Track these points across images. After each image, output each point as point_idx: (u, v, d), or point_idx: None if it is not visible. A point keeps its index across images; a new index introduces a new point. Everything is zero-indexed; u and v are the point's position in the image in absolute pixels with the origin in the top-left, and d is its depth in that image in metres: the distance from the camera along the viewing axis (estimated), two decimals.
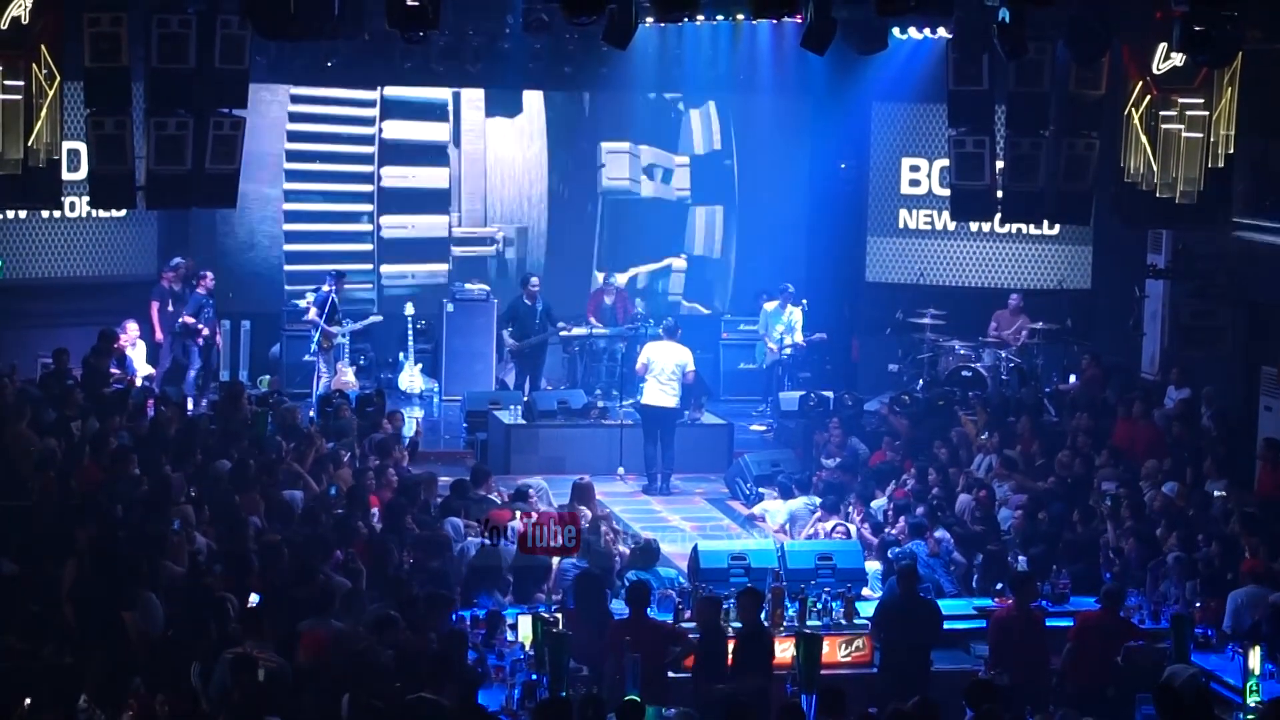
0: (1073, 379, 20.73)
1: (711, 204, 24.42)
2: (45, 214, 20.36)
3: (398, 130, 23.52)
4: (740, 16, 19.44)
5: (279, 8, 14.23)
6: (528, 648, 12.55)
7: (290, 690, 11.11)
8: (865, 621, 13.52)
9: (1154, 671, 12.02)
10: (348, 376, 21.13)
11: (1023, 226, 22.00)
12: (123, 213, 20.28)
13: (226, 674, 10.97)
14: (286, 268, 23.23)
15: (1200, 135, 17.23)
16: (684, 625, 13.07)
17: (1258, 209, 18.58)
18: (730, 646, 12.53)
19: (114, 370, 19.13)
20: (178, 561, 13.10)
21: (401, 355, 22.57)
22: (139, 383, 19.27)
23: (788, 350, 21.72)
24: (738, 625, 12.75)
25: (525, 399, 20.55)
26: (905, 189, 23.44)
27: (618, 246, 24.09)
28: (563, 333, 21.71)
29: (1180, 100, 17.33)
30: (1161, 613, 13.75)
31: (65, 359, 18.54)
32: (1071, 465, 17.08)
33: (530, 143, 23.84)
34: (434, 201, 23.75)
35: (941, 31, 19.67)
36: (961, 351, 21.35)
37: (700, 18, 19.85)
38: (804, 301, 21.96)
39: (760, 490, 18.03)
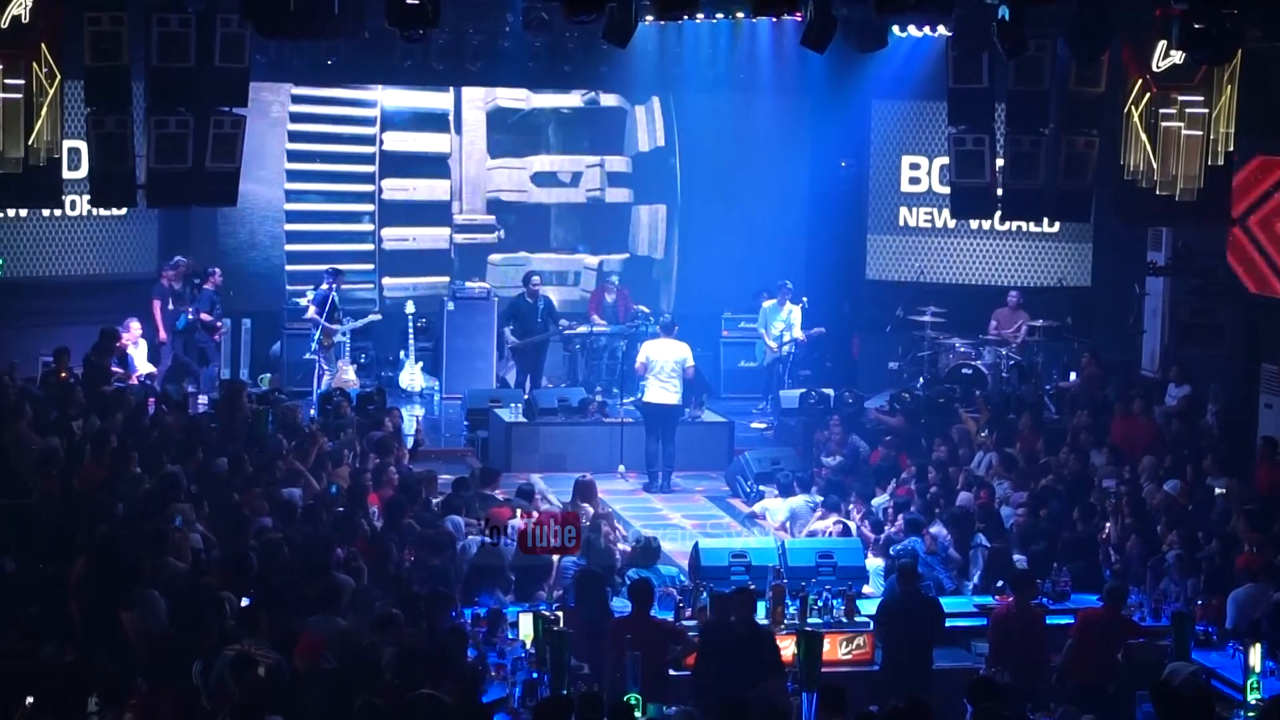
0: (1073, 376, 20.71)
1: (654, 203, 24.42)
2: (46, 213, 20.33)
3: (398, 142, 23.56)
4: (740, 14, 19.47)
5: (279, 6, 14.25)
6: (529, 646, 12.53)
7: (290, 688, 11.11)
8: (866, 619, 13.53)
9: (1154, 669, 11.99)
10: (348, 374, 21.12)
11: (1023, 224, 22.02)
12: (123, 211, 20.34)
13: (226, 672, 10.96)
14: (288, 267, 23.26)
15: (1200, 133, 17.25)
16: (685, 623, 13.09)
17: None
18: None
19: (115, 369, 19.14)
20: (180, 558, 13.10)
21: (402, 353, 22.55)
22: (136, 381, 19.26)
23: (788, 347, 21.72)
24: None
25: (526, 397, 20.56)
26: (905, 187, 23.45)
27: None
28: (565, 331, 21.74)
29: (1180, 98, 17.34)
30: (1162, 610, 13.78)
31: (66, 357, 18.54)
32: (1067, 462, 17.08)
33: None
34: (435, 213, 23.80)
35: (941, 29, 19.64)
36: (962, 349, 21.33)
37: (700, 16, 19.86)
38: (804, 299, 21.96)
39: (761, 488, 18.00)
